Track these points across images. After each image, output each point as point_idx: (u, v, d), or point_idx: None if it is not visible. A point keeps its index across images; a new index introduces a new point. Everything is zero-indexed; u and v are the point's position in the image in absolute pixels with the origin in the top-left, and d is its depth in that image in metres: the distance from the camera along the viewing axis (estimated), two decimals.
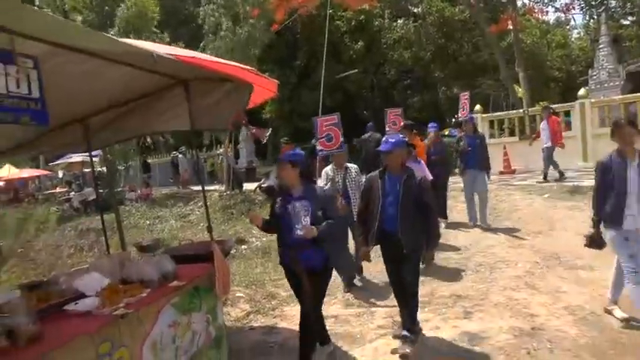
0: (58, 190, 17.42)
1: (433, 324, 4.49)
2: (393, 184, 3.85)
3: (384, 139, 4.10)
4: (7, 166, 17.48)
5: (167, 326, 3.13)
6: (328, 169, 5.88)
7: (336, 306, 5.29)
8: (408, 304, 3.99)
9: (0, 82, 2.10)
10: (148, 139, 17.26)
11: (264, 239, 8.83)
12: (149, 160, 22.86)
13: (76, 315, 2.73)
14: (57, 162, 17.27)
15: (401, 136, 4.41)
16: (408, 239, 3.80)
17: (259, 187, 12.77)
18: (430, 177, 5.60)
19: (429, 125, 8.30)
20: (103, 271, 3.22)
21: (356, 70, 23.36)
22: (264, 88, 3.99)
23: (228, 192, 13.46)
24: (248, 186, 14.27)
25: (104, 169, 16.21)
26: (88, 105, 3.60)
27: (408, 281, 3.94)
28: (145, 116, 3.95)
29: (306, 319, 3.62)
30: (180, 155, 19.02)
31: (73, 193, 15.72)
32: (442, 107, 26.79)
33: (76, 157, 16.53)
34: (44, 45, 2.30)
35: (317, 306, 3.69)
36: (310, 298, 3.56)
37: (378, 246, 4.09)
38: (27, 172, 17.64)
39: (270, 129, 15.20)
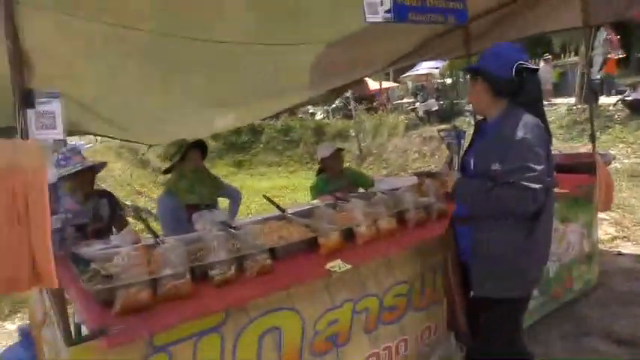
0: (405, 100, 19.38)
1: None
2: None
3: None
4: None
5: None
6: None
7: None
8: None
9: None
10: None
11: (631, 159, 7.58)
12: None
13: None
14: (406, 74, 19.10)
15: None
16: None
17: (622, 100, 10.78)
18: None
19: None
20: None
21: None
22: None
23: (579, 105, 11.95)
24: (604, 99, 12.28)
25: (447, 80, 16.92)
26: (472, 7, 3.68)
27: None
28: (528, 16, 3.75)
29: None
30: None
31: (418, 103, 17.20)
32: None
33: (422, 70, 17.78)
34: None
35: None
36: None
37: None
38: (382, 84, 20.23)
39: None
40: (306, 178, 16.25)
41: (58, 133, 1.48)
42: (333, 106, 23.31)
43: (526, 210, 1.85)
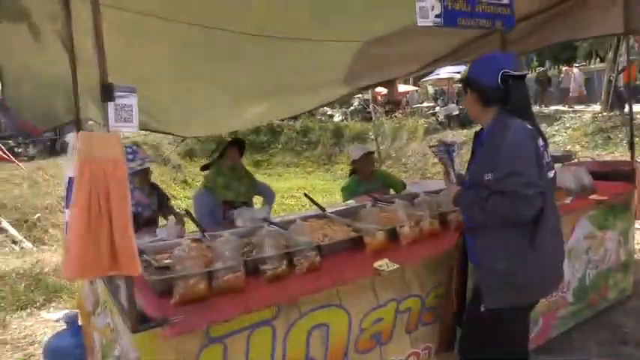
0: (425, 104, 19.32)
1: None
2: None
3: None
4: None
5: (583, 237, 3.13)
6: None
7: None
8: None
9: None
10: None
11: None
12: None
13: None
14: (426, 78, 19.04)
15: None
16: None
17: None
18: None
19: None
20: None
21: None
22: None
23: (605, 112, 11.79)
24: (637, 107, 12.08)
25: None
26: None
27: None
28: (566, 22, 3.74)
29: None
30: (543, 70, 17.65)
31: (438, 107, 17.14)
32: None
33: (443, 74, 17.70)
34: None
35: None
36: None
37: None
38: (402, 88, 20.19)
39: None
40: (324, 179, 16.31)
41: (133, 126, 1.53)
42: (352, 108, 23.30)
43: (521, 216, 1.79)
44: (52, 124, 3.48)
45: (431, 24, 2.21)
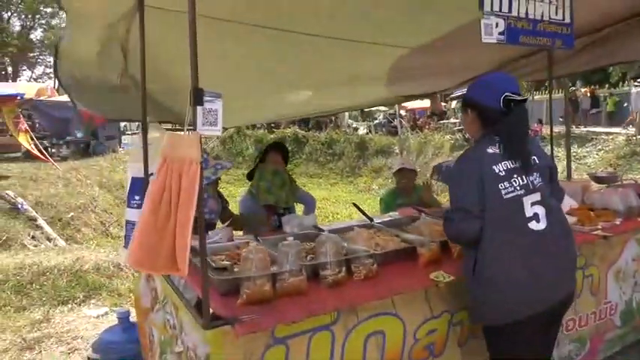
0: (451, 120, 19.24)
1: None
2: None
3: None
4: None
5: (631, 259, 3.09)
6: None
7: None
8: None
9: (543, 9, 2.40)
10: None
11: None
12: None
13: None
14: (452, 95, 18.99)
15: None
16: None
17: None
18: None
19: None
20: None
21: None
22: None
23: (639, 136, 11.58)
24: None
25: None
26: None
27: None
28: (615, 43, 3.73)
29: None
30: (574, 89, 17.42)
31: None
32: None
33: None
34: None
35: None
36: None
37: None
38: (427, 103, 20.19)
39: None
40: (347, 191, 16.34)
41: (218, 130, 1.61)
42: (377, 121, 23.33)
43: (455, 238, 2.03)
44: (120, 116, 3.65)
45: (495, 41, 2.25)
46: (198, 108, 1.55)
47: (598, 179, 3.86)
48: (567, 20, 2.49)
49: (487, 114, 1.95)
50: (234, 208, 3.72)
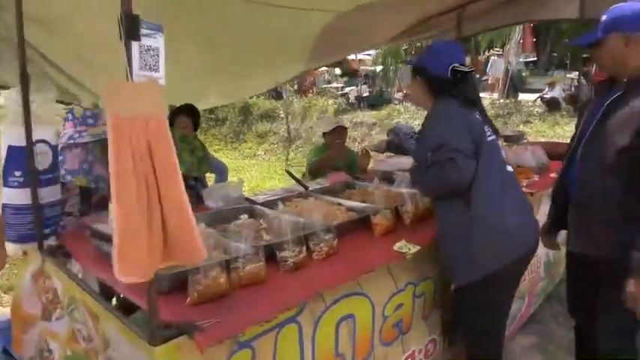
0: (333, 85, 19.43)
1: None
2: (598, 107, 1.96)
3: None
4: None
5: (545, 213, 3.26)
6: None
7: None
8: None
9: None
10: None
11: None
12: None
13: None
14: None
15: None
16: (577, 228, 2.04)
17: (540, 97, 11.77)
18: None
19: None
20: None
21: None
22: None
23: (502, 99, 12.83)
24: (523, 96, 13.31)
25: (377, 68, 17.27)
26: None
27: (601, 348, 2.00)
28: (524, 3, 3.82)
29: None
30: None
31: (348, 88, 17.35)
32: None
33: (351, 57, 17.90)
34: None
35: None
36: None
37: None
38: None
39: None
40: (233, 157, 15.69)
41: (160, 77, 1.15)
42: None
43: (452, 181, 1.81)
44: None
45: None
46: (133, 44, 1.09)
47: (506, 138, 4.03)
48: None
49: (436, 82, 1.98)
50: None
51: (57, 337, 1.83)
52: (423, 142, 1.96)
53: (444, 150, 1.81)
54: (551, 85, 11.91)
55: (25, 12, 1.81)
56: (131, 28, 1.07)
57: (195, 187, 3.07)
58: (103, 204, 2.41)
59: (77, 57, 2.76)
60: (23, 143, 1.85)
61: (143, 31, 1.10)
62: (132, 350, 1.35)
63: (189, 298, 1.44)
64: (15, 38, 1.83)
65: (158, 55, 1.14)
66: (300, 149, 16.37)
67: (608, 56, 1.91)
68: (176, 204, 1.07)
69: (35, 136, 1.88)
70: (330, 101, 17.36)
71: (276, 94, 19.52)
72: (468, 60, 2.35)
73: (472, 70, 2.02)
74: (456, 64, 1.94)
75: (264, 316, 1.41)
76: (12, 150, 1.90)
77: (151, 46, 1.12)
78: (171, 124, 3.12)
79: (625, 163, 1.77)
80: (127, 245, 1.01)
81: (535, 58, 17.93)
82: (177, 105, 3.29)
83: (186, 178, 3.02)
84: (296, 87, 19.35)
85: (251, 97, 20.60)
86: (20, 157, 1.88)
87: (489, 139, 1.95)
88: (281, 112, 17.73)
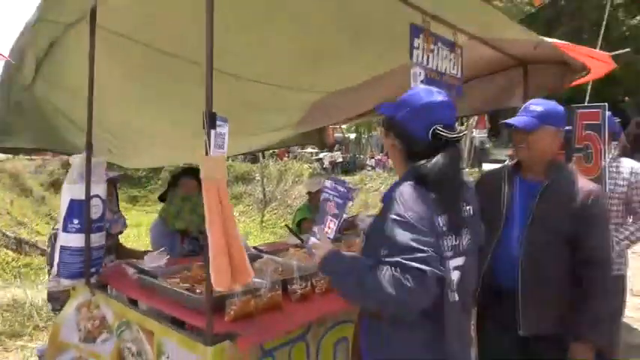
0: (308, 150, 20.37)
1: None
2: (524, 197, 2.06)
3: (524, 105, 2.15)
4: None
5: None
6: None
7: None
8: None
9: (446, 65, 2.97)
10: None
11: None
12: None
13: None
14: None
15: None
16: (532, 311, 1.97)
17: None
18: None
19: None
20: None
21: (628, 50, 19.86)
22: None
23: (467, 169, 13.86)
24: (487, 166, 14.40)
25: (351, 135, 18.32)
26: None
27: None
28: (476, 95, 4.60)
29: None
30: None
31: (323, 153, 18.28)
32: None
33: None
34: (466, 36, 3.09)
35: None
36: None
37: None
38: None
39: None
40: None
41: (224, 153, 1.71)
42: None
43: (410, 302, 1.30)
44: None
45: None
46: (212, 132, 1.64)
47: None
48: (459, 75, 3.11)
49: (412, 144, 1.52)
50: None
51: (100, 357, 2.21)
52: (381, 233, 1.43)
53: (411, 257, 1.30)
54: (512, 157, 12.93)
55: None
56: (211, 121, 1.63)
57: (199, 239, 3.51)
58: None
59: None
60: (82, 197, 2.33)
61: (218, 122, 1.67)
62: (186, 354, 1.79)
63: (226, 316, 1.89)
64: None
65: (224, 138, 1.70)
66: (274, 211, 16.82)
67: (541, 144, 2.02)
68: (236, 240, 1.59)
69: (92, 192, 2.36)
70: (305, 165, 18.21)
71: (252, 157, 20.24)
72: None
73: (460, 139, 1.54)
74: (439, 127, 1.47)
75: (283, 330, 1.89)
76: (73, 203, 2.36)
77: (221, 132, 1.68)
78: (175, 185, 3.60)
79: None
80: (217, 261, 1.51)
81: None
82: (178, 161, 3.79)
83: (187, 232, 3.50)
84: (271, 151, 20.17)
85: (227, 159, 21.33)
86: (79, 208, 2.34)
87: (455, 262, 1.54)
88: (257, 174, 18.36)
